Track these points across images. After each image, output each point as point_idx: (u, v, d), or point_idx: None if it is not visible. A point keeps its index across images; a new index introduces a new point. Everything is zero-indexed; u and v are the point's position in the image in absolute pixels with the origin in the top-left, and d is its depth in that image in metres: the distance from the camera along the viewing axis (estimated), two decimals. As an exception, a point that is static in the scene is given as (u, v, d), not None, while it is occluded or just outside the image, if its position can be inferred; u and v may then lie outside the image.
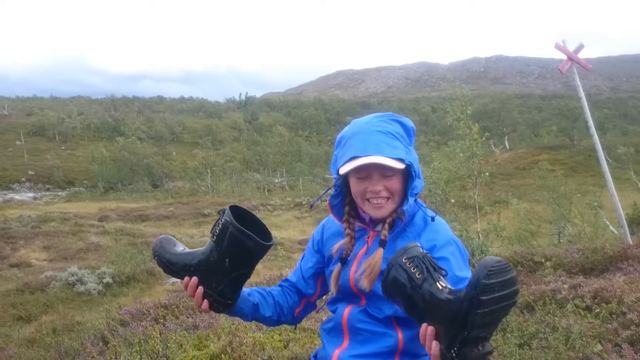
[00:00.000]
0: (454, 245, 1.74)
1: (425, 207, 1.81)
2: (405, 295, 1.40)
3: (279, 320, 2.00)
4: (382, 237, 1.74)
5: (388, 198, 1.74)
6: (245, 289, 1.86)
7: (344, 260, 1.83)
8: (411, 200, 1.72)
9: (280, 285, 2.07)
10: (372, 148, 1.68)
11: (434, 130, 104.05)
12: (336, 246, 1.87)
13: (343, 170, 1.74)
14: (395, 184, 1.73)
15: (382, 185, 1.71)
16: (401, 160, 1.69)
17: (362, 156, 1.68)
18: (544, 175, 19.32)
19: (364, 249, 1.82)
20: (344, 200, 1.87)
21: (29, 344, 9.01)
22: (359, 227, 1.86)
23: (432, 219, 1.77)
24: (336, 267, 1.85)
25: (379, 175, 1.71)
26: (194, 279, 1.72)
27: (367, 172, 1.71)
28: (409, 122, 1.81)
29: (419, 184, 1.76)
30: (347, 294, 1.84)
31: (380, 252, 1.73)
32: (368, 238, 1.82)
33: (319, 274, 2.02)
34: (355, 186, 1.77)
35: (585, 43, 10.16)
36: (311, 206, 2.03)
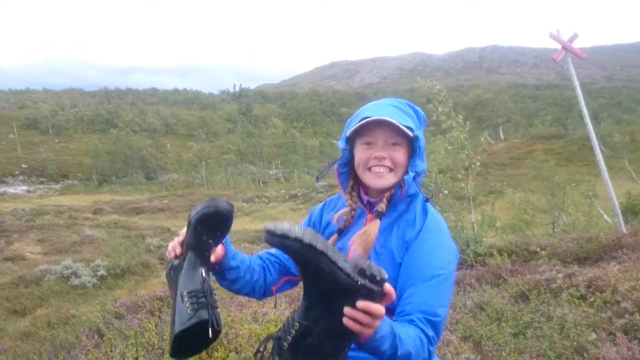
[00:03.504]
0: (447, 240, 1.73)
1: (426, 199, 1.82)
2: None
3: (248, 294, 1.96)
4: (379, 209, 1.75)
5: (391, 169, 1.74)
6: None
7: (341, 231, 1.83)
8: (411, 174, 1.73)
9: (260, 258, 2.01)
10: (383, 112, 1.71)
11: (429, 120, 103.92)
12: (337, 214, 1.87)
13: (351, 132, 1.76)
14: (400, 155, 1.73)
15: (387, 153, 1.72)
16: (410, 129, 1.70)
17: (372, 117, 1.69)
18: (537, 165, 19.35)
19: (361, 230, 1.79)
20: (349, 173, 1.88)
21: (24, 337, 9.01)
22: (358, 207, 1.85)
23: (427, 199, 1.80)
24: (332, 237, 1.84)
25: (384, 143, 1.72)
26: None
27: (373, 137, 1.73)
28: (421, 111, 1.84)
29: (420, 164, 1.76)
30: None
31: (377, 222, 1.73)
32: (366, 220, 1.81)
33: None
34: (360, 153, 1.77)
35: (579, 32, 10.18)
36: (317, 179, 2.01)
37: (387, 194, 1.76)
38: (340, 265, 1.27)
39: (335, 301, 1.30)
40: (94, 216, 27.78)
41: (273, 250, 2.04)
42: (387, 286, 1.27)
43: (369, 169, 1.75)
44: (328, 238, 1.89)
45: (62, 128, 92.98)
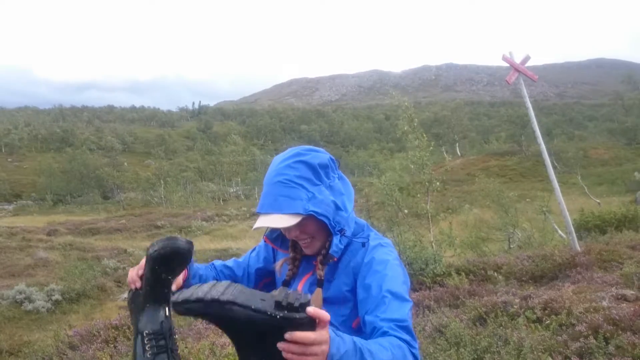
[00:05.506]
0: (395, 264, 1.70)
1: (368, 228, 1.82)
2: None
3: None
4: (319, 278, 1.74)
5: (312, 237, 1.73)
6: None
7: (287, 283, 1.81)
8: (336, 239, 1.70)
9: (215, 268, 2.00)
10: (270, 205, 1.67)
11: (388, 137, 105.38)
12: (279, 262, 1.87)
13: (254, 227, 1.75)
14: (310, 227, 1.71)
15: (298, 231, 1.71)
16: (298, 214, 1.65)
17: (262, 213, 1.68)
18: (484, 186, 19.65)
19: (310, 273, 1.81)
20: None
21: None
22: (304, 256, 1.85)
23: (363, 244, 1.75)
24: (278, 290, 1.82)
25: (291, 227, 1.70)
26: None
27: None
28: (316, 159, 1.73)
29: (341, 219, 1.72)
30: None
31: (318, 293, 1.73)
32: (316, 262, 1.79)
33: (265, 276, 2.00)
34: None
35: (531, 52, 10.45)
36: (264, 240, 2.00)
37: (319, 258, 1.75)
38: (254, 307, 1.22)
39: (269, 342, 1.25)
40: (49, 237, 27.04)
41: (229, 263, 2.03)
42: (311, 309, 1.23)
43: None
44: (278, 282, 1.91)
45: (15, 147, 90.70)
